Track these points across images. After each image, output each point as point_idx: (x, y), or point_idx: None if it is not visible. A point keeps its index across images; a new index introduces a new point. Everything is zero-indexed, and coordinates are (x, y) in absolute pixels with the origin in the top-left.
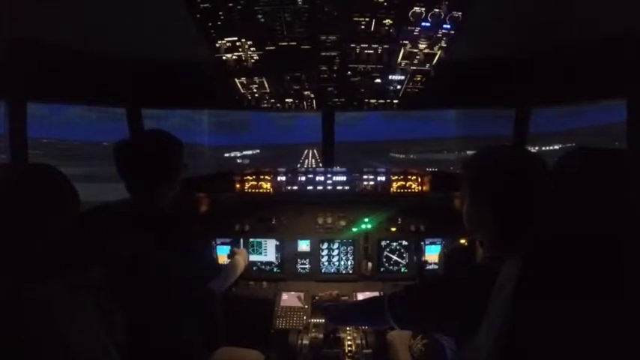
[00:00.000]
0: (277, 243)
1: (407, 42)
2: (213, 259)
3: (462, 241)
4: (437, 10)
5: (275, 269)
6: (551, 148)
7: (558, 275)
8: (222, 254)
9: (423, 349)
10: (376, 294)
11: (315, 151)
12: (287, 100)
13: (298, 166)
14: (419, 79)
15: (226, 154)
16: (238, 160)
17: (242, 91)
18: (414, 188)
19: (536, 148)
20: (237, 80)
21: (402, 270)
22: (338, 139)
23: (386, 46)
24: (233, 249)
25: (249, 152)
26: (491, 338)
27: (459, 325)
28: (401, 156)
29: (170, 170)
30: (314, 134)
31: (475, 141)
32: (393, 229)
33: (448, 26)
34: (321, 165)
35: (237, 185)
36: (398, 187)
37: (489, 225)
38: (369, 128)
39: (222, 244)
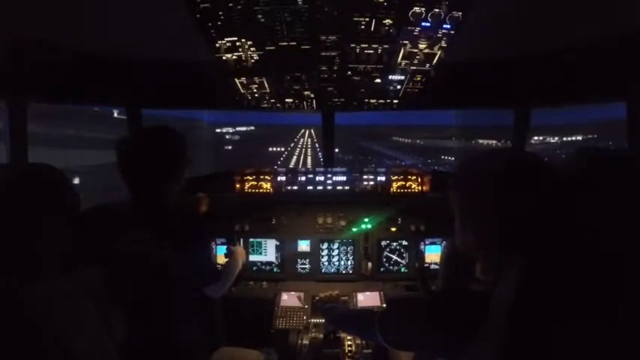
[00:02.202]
0: (277, 243)
1: (407, 42)
2: (213, 264)
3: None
4: (437, 10)
5: (275, 269)
6: (573, 138)
7: (559, 278)
8: (222, 254)
9: None
10: (376, 294)
11: (312, 131)
12: (287, 100)
13: (292, 145)
14: (419, 79)
15: (218, 130)
16: (227, 137)
17: (242, 91)
18: (414, 188)
19: (556, 138)
20: (237, 80)
21: (402, 270)
22: (338, 122)
23: (386, 46)
24: (230, 247)
25: (243, 129)
26: (491, 342)
27: (449, 350)
28: (406, 140)
29: (174, 167)
30: (312, 117)
31: (475, 130)
32: (393, 229)
33: (448, 26)
34: (317, 145)
35: (237, 185)
36: (398, 187)
37: (491, 236)
38: (368, 112)
39: (222, 244)
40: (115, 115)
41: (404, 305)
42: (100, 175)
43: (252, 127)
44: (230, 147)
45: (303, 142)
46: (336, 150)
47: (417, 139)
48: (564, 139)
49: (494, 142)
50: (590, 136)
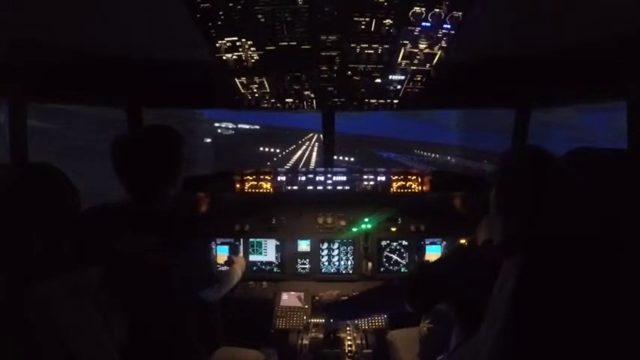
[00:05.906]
0: (277, 243)
1: (407, 42)
2: (210, 267)
3: (462, 241)
4: (437, 10)
5: (275, 269)
6: None
7: (558, 274)
8: (222, 254)
9: (427, 332)
10: None
11: (321, 136)
12: (287, 100)
13: (294, 147)
14: (419, 79)
15: (216, 124)
16: (219, 131)
17: (242, 91)
18: (414, 188)
19: None
20: (237, 80)
21: (402, 270)
22: (340, 130)
23: (386, 46)
24: (231, 256)
25: (246, 126)
26: (492, 334)
27: (468, 302)
28: (432, 155)
29: (172, 168)
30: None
31: (479, 152)
32: (393, 229)
33: (448, 26)
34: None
35: (237, 185)
36: (398, 187)
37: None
38: (370, 122)
39: (223, 244)
40: None
41: (424, 263)
42: None
43: (257, 127)
44: (209, 140)
45: (309, 145)
46: (352, 159)
47: (448, 157)
48: None
49: None
50: None
